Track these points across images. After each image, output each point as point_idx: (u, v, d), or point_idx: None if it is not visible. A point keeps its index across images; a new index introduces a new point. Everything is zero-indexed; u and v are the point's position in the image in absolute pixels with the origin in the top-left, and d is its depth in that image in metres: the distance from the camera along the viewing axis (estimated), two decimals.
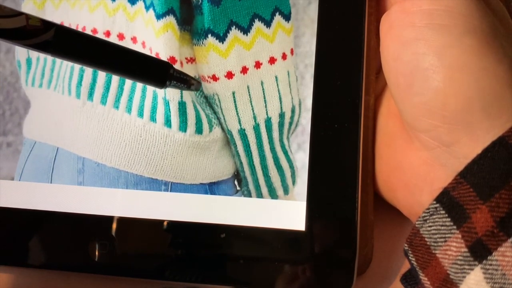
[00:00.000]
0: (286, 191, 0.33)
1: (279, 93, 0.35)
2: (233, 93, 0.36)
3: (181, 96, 0.35)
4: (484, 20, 0.23)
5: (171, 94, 0.35)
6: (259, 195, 0.33)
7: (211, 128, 0.36)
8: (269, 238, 0.29)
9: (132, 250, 0.29)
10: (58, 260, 0.30)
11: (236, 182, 0.34)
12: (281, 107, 0.35)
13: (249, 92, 0.36)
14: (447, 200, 0.23)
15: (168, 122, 0.35)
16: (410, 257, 0.25)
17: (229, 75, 0.35)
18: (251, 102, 0.36)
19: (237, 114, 0.36)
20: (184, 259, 0.28)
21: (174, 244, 0.29)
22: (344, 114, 0.29)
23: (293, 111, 0.35)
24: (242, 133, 0.36)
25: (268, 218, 0.29)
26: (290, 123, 0.35)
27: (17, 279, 0.30)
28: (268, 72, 0.35)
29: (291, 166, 0.34)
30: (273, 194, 0.33)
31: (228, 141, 0.36)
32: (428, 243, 0.24)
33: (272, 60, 0.35)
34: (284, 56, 0.34)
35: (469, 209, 0.22)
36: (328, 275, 0.27)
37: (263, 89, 0.35)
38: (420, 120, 0.25)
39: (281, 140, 0.35)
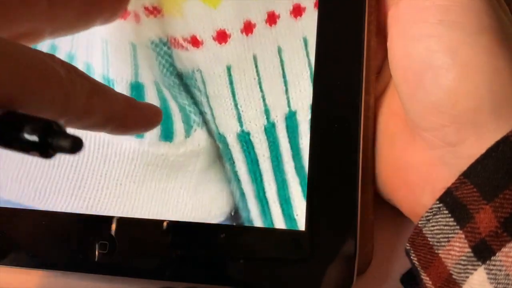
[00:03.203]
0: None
1: (311, 69, 0.30)
2: (228, 69, 0.30)
3: (136, 74, 0.30)
4: (497, 18, 0.24)
5: (119, 70, 0.30)
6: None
7: (188, 130, 0.31)
8: (269, 238, 0.29)
9: (132, 250, 0.29)
10: (58, 260, 0.30)
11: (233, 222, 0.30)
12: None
13: (256, 66, 0.30)
14: (451, 200, 0.24)
15: None
16: (412, 257, 0.26)
17: (222, 36, 0.30)
18: (260, 84, 0.30)
19: (236, 105, 0.30)
20: (184, 259, 0.29)
21: (174, 244, 0.29)
22: (344, 114, 0.29)
23: None
24: (245, 139, 0.30)
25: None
26: None
27: (17, 279, 0.31)
28: (291, 30, 0.29)
29: None
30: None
31: (219, 154, 0.31)
32: (430, 243, 0.25)
33: (297, 10, 0.29)
34: (317, 3, 0.30)
35: (473, 209, 0.23)
36: (328, 275, 0.28)
37: (281, 61, 0.30)
38: (427, 118, 0.25)
39: None
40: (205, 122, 0.31)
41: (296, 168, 0.30)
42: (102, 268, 0.30)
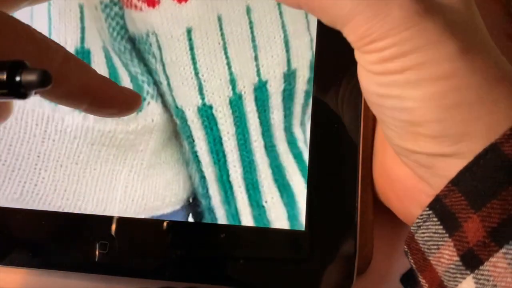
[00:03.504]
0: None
1: (285, 32, 0.29)
2: (189, 32, 0.28)
3: (82, 39, 0.28)
4: (444, 62, 0.24)
5: (63, 34, 0.27)
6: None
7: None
8: (269, 238, 0.29)
9: (132, 250, 0.29)
10: (58, 260, 0.29)
11: (190, 216, 0.29)
12: (288, 61, 0.28)
13: (221, 29, 0.28)
14: (440, 208, 0.25)
15: None
16: (409, 259, 0.27)
17: None
18: (225, 49, 0.28)
19: (197, 74, 0.28)
20: (184, 259, 0.29)
21: (174, 244, 0.28)
22: (344, 114, 0.29)
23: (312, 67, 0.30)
24: (206, 113, 0.29)
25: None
26: (307, 92, 0.29)
27: (17, 279, 0.32)
28: None
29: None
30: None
31: (176, 131, 0.30)
32: (422, 249, 0.25)
33: None
34: None
35: (461, 217, 0.24)
36: (328, 275, 0.28)
37: (250, 22, 0.28)
38: (397, 147, 0.26)
39: (288, 128, 0.29)
40: (160, 94, 0.29)
41: (266, 147, 0.29)
42: (102, 268, 0.29)
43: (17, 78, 0.19)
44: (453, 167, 0.24)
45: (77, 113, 0.29)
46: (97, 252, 0.30)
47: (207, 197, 0.29)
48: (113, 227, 0.30)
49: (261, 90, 0.29)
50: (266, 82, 0.29)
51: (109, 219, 0.30)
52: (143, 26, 0.29)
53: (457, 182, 0.24)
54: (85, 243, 0.30)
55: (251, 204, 0.29)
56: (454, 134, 0.24)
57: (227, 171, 0.29)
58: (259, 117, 0.29)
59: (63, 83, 0.23)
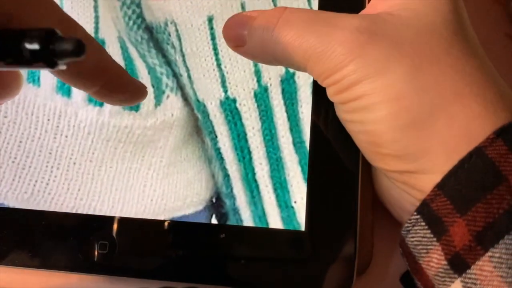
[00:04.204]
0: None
1: None
2: (210, 20, 0.27)
3: (96, 29, 0.27)
4: (392, 87, 0.24)
5: None
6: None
7: (159, 97, 0.28)
8: (269, 238, 0.29)
9: (132, 250, 0.29)
10: (58, 260, 0.29)
11: (214, 217, 0.29)
12: None
13: None
14: (427, 212, 0.25)
15: (62, 86, 0.28)
16: (405, 260, 0.27)
17: None
18: None
19: (219, 65, 0.27)
20: (184, 259, 0.29)
21: (174, 244, 0.29)
22: None
23: None
24: (230, 107, 0.28)
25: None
26: None
27: (17, 279, 0.32)
28: None
29: None
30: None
31: (198, 126, 0.29)
32: (413, 253, 0.26)
33: None
34: None
35: (448, 221, 0.24)
36: (328, 275, 0.28)
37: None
38: (372, 163, 0.28)
39: None
40: (180, 87, 0.28)
41: (294, 144, 0.28)
42: (102, 268, 0.29)
43: (51, 47, 0.19)
44: (424, 182, 0.25)
45: (91, 107, 0.28)
46: (96, 252, 0.30)
47: (232, 197, 0.28)
48: (113, 227, 0.30)
49: (288, 82, 0.28)
50: (294, 74, 0.28)
51: (109, 219, 0.30)
52: (161, 15, 0.28)
53: (442, 186, 0.25)
54: (85, 243, 0.30)
55: (279, 204, 0.28)
56: (413, 151, 0.25)
57: (253, 169, 0.28)
58: (287, 111, 0.28)
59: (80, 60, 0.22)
